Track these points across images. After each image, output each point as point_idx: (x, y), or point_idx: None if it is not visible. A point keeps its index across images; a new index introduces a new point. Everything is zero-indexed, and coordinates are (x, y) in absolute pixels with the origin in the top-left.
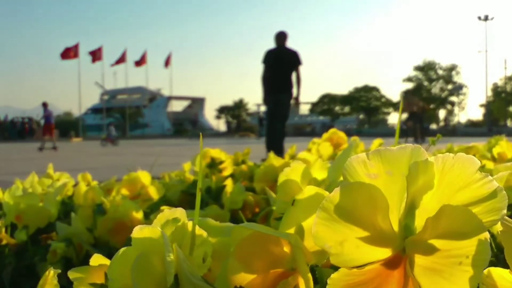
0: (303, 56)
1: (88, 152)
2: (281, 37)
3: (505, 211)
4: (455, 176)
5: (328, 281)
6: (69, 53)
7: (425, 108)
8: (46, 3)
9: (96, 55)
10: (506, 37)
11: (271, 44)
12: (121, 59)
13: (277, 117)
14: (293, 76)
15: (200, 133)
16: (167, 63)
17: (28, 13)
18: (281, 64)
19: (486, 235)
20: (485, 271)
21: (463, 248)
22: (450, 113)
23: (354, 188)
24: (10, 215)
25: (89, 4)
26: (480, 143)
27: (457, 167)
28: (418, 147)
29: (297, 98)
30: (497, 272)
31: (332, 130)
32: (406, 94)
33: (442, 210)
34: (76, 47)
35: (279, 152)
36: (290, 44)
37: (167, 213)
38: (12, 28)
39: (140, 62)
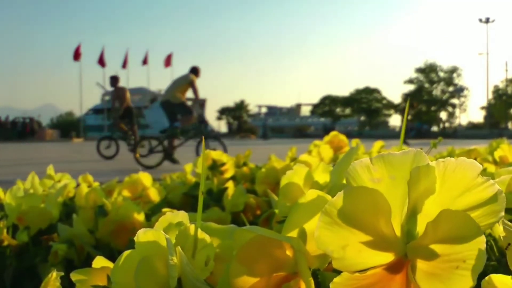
0: (308, 59)
1: (89, 152)
2: None
3: (503, 213)
4: (456, 180)
5: (331, 285)
6: (76, 54)
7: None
8: (46, 3)
9: (101, 59)
10: (507, 39)
11: (271, 45)
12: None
13: None
14: None
15: (203, 136)
16: (167, 63)
17: (28, 13)
18: None
19: (483, 239)
20: (487, 277)
21: (460, 252)
22: (451, 115)
23: (357, 193)
24: (12, 216)
25: (89, 4)
26: (481, 146)
27: (459, 171)
28: (420, 151)
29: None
30: (499, 279)
31: (333, 133)
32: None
33: (441, 215)
34: (78, 48)
35: None
36: (291, 47)
37: (169, 216)
38: (13, 29)
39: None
